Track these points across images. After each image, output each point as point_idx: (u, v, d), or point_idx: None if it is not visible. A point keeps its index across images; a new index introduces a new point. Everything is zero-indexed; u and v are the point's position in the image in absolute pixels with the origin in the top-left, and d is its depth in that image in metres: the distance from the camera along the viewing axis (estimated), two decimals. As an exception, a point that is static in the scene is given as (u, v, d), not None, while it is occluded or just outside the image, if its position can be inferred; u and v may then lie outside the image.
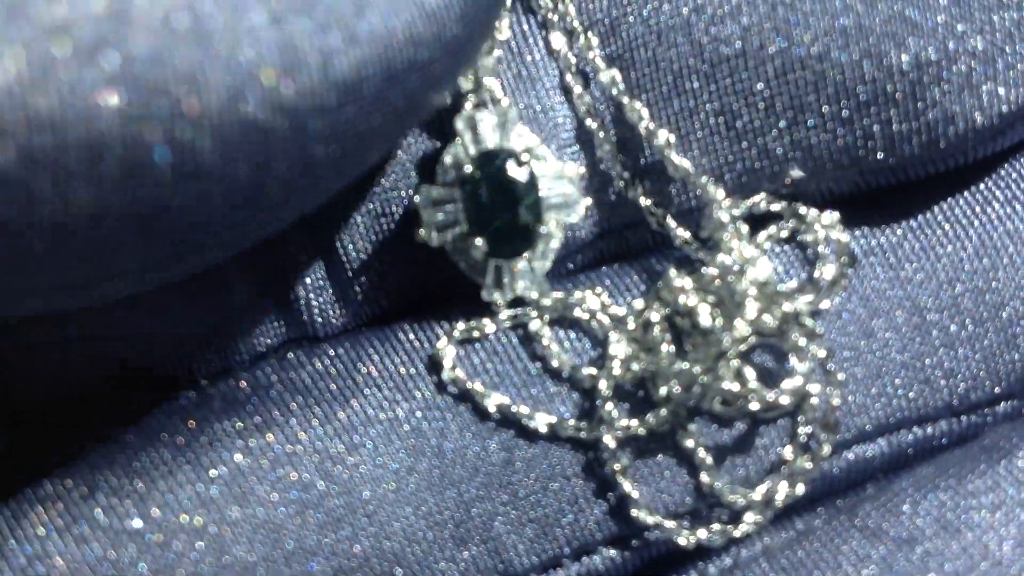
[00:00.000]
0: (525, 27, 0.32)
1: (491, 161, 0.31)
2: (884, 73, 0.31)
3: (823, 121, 0.31)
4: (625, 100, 0.32)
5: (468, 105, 0.31)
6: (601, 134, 0.32)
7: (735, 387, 0.30)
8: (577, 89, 0.32)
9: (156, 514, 0.30)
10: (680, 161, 0.31)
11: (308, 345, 0.32)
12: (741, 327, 0.30)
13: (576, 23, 0.32)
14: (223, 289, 0.32)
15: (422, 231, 0.31)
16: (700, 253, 0.32)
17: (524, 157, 0.31)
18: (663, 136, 0.31)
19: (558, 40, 0.32)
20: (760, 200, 0.32)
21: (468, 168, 0.31)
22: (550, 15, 0.32)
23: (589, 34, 0.32)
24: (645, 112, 0.32)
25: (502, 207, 0.31)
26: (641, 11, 0.32)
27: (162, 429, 0.31)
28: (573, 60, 0.32)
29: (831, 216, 0.31)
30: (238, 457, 0.30)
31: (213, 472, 0.30)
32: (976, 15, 0.31)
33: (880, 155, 0.31)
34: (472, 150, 0.31)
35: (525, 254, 0.31)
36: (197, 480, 0.30)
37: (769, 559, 0.31)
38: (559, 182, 0.31)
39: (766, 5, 0.31)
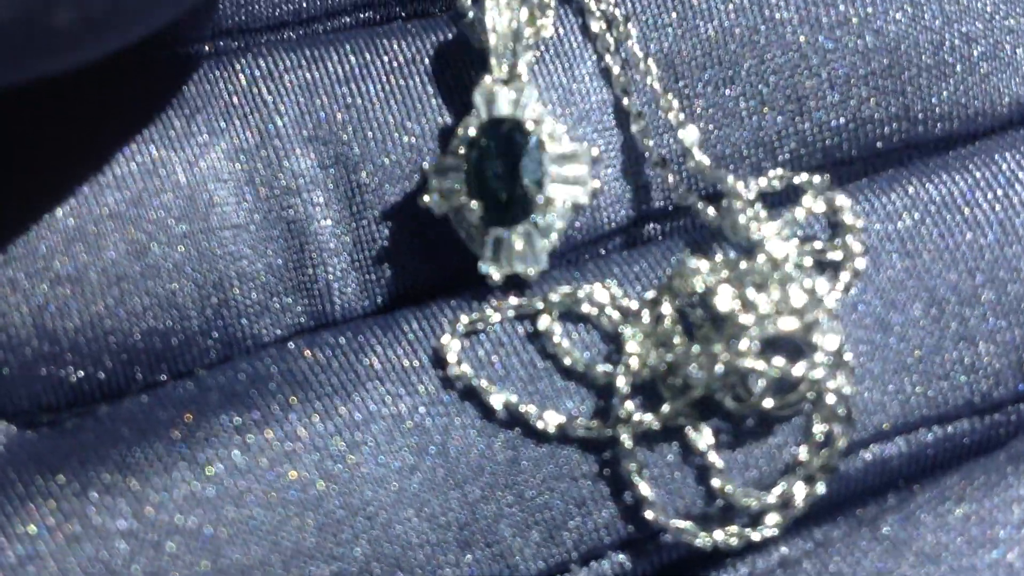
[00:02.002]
0: (562, 14, 0.33)
1: (497, 127, 0.31)
2: (935, 47, 0.33)
3: (870, 97, 0.33)
4: (658, 88, 0.32)
5: (487, 79, 0.31)
6: (636, 119, 0.33)
7: (759, 364, 0.29)
8: (615, 70, 0.33)
9: (150, 513, 0.29)
10: (700, 158, 0.32)
11: (309, 335, 0.32)
12: (764, 305, 0.29)
13: (616, 11, 0.33)
14: (244, 269, 0.32)
15: (426, 196, 0.31)
16: (725, 233, 0.32)
17: (529, 126, 0.31)
18: (691, 134, 0.32)
19: (596, 25, 0.33)
20: (783, 177, 0.32)
21: (472, 132, 0.31)
22: (588, 3, 0.33)
23: (629, 24, 0.33)
24: (676, 103, 0.32)
25: (504, 174, 0.31)
26: (682, 5, 0.33)
27: (158, 423, 0.30)
28: (611, 43, 0.33)
29: (845, 199, 0.31)
30: (236, 454, 0.29)
31: (210, 470, 0.29)
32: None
33: (926, 128, 0.33)
34: (485, 118, 0.31)
35: (523, 227, 0.31)
36: (193, 478, 0.29)
37: (786, 570, 0.30)
38: (570, 159, 0.31)
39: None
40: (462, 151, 0.31)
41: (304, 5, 0.34)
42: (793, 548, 0.30)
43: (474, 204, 0.31)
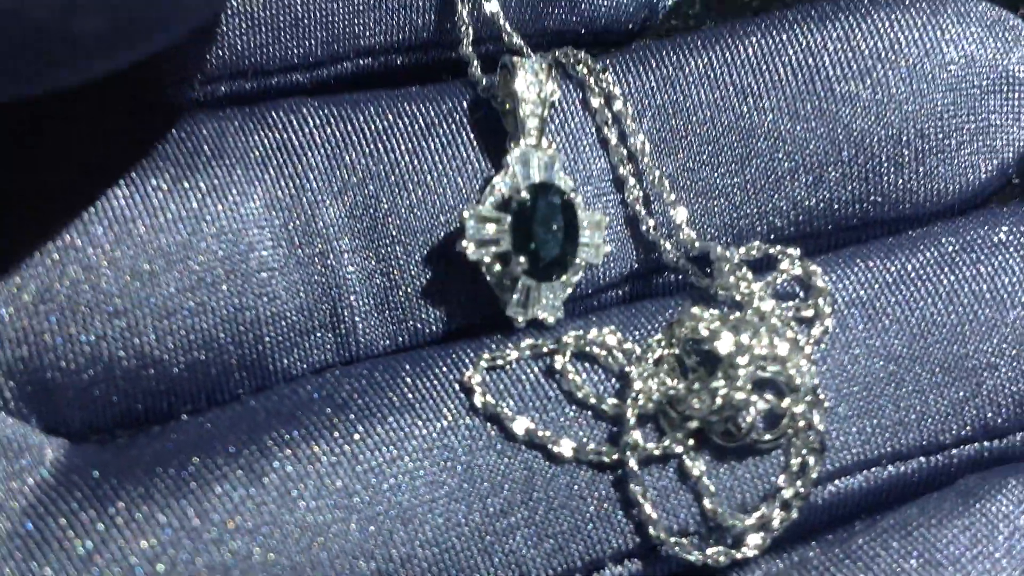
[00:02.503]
0: (565, 87, 0.37)
1: (543, 192, 0.35)
2: (894, 141, 0.38)
3: (839, 181, 0.38)
4: (650, 166, 0.37)
5: (523, 143, 0.35)
6: (631, 188, 0.37)
7: (752, 398, 0.34)
8: (612, 141, 0.37)
9: (212, 515, 0.32)
10: (690, 232, 0.37)
11: (344, 367, 0.35)
12: (757, 349, 0.34)
13: (615, 89, 0.37)
14: (277, 308, 0.35)
15: (464, 242, 0.35)
16: (713, 291, 0.36)
17: (570, 196, 0.35)
18: (681, 214, 0.37)
19: (595, 101, 0.37)
20: (760, 248, 0.37)
21: (524, 194, 0.35)
22: (588, 79, 0.37)
23: (627, 104, 0.37)
24: (667, 183, 0.37)
25: (544, 233, 0.35)
26: (673, 90, 0.37)
27: (212, 438, 0.33)
28: (609, 118, 0.37)
29: (816, 267, 0.36)
30: (287, 466, 0.33)
31: (265, 479, 0.32)
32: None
33: (884, 210, 0.38)
34: (522, 181, 0.35)
35: (552, 282, 0.35)
36: (250, 484, 0.32)
37: None
38: (589, 227, 0.35)
39: (783, 91, 0.37)
40: (499, 203, 0.35)
41: (312, 50, 0.37)
42: (774, 567, 0.34)
43: (523, 260, 0.35)
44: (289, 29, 0.37)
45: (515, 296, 0.35)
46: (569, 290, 0.36)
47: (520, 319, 0.35)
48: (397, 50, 0.38)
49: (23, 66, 0.28)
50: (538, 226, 0.35)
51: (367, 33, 0.38)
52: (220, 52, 0.36)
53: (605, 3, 0.40)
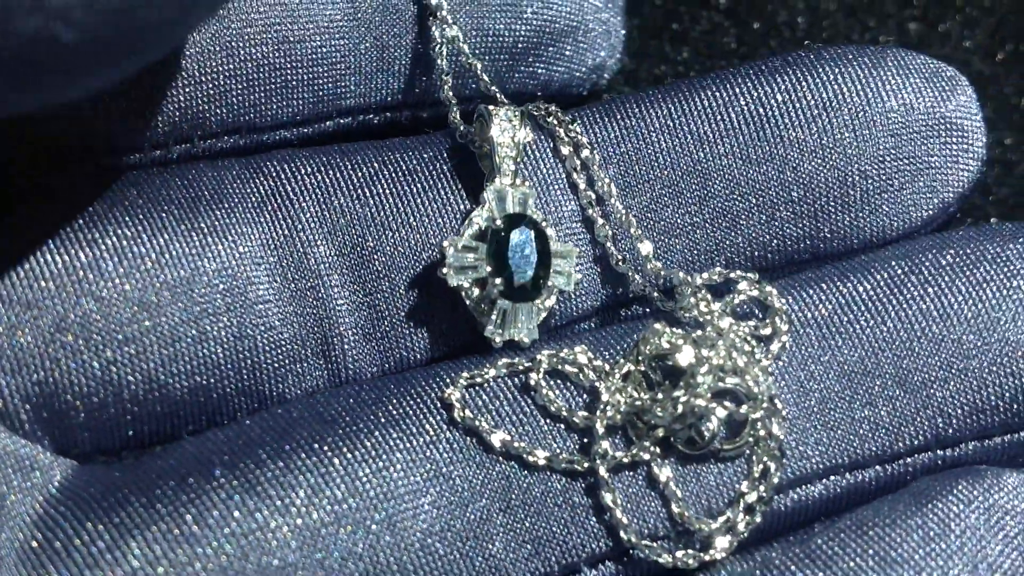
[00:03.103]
0: (537, 138, 0.41)
1: (518, 222, 0.38)
2: (840, 182, 0.41)
3: (789, 219, 0.41)
4: (619, 206, 0.40)
5: (498, 181, 0.39)
6: (599, 227, 0.40)
7: (714, 406, 0.36)
8: (581, 185, 0.40)
9: (211, 522, 0.34)
10: (654, 264, 0.40)
11: (332, 389, 0.38)
12: (716, 361, 0.36)
13: (582, 139, 0.40)
14: (273, 338, 0.38)
15: (444, 270, 0.38)
16: (677, 314, 0.39)
17: (542, 225, 0.38)
18: (646, 247, 0.40)
19: (565, 149, 0.40)
20: (720, 273, 0.39)
21: (499, 223, 0.38)
22: (557, 130, 0.40)
23: (594, 151, 0.40)
24: (633, 219, 0.40)
25: (521, 259, 0.38)
26: (636, 139, 0.41)
27: (210, 454, 0.35)
28: (578, 164, 0.40)
29: (771, 288, 0.39)
30: (280, 476, 0.35)
31: (259, 488, 0.35)
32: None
33: (833, 245, 0.41)
34: (498, 214, 0.38)
35: (528, 305, 0.38)
36: (245, 493, 0.34)
37: None
38: (562, 256, 0.39)
39: (736, 137, 0.41)
40: (477, 234, 0.38)
41: (299, 109, 0.41)
42: (738, 567, 0.36)
43: (498, 282, 0.38)
44: (279, 91, 0.40)
45: (492, 318, 0.38)
46: (544, 314, 0.39)
47: (497, 339, 0.38)
48: (375, 110, 0.42)
49: (13, 80, 0.30)
50: (512, 251, 0.38)
51: (348, 95, 0.41)
52: (218, 111, 0.40)
53: (559, 71, 0.44)
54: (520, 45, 0.43)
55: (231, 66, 0.39)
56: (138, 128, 0.39)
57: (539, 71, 0.44)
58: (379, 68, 0.41)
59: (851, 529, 0.36)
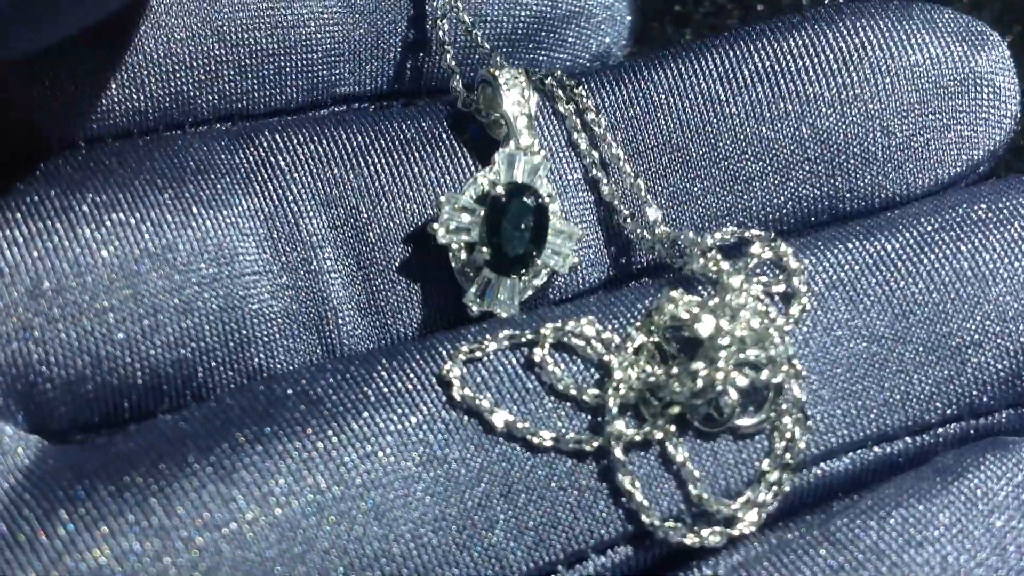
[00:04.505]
0: (541, 103, 0.39)
1: (520, 192, 0.36)
2: (860, 139, 0.39)
3: (806, 178, 0.39)
4: (624, 171, 0.38)
5: (511, 144, 0.37)
6: (605, 193, 0.38)
7: (735, 376, 0.33)
8: (588, 150, 0.38)
9: (181, 512, 0.31)
10: (662, 230, 0.37)
11: (319, 363, 0.35)
12: (738, 330, 0.33)
13: (588, 103, 0.38)
14: (262, 310, 0.35)
15: (436, 225, 0.36)
16: (687, 272, 0.36)
17: (546, 200, 0.36)
18: (653, 212, 0.37)
19: (570, 113, 0.38)
20: (733, 232, 0.37)
21: (500, 191, 0.36)
22: (561, 94, 0.38)
23: (600, 115, 0.38)
24: (641, 184, 0.38)
25: (512, 230, 0.36)
26: (644, 102, 0.39)
27: (184, 436, 0.33)
28: (583, 129, 0.38)
29: (787, 246, 0.36)
30: (259, 462, 0.32)
31: (235, 476, 0.32)
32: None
33: (854, 205, 0.39)
34: (504, 178, 0.36)
35: (512, 280, 0.36)
36: (220, 482, 0.32)
37: (748, 569, 0.33)
38: (562, 235, 0.36)
39: (749, 95, 0.39)
40: (478, 196, 0.36)
41: (292, 96, 0.39)
42: (753, 549, 0.34)
43: (485, 250, 0.36)
44: (272, 77, 0.39)
45: (473, 288, 0.36)
46: (529, 292, 0.37)
47: (475, 309, 0.36)
48: (370, 97, 0.40)
49: None
50: (507, 222, 0.36)
51: (342, 82, 0.40)
52: (210, 97, 0.38)
53: (561, 58, 0.42)
54: (520, 31, 0.41)
55: (222, 51, 0.38)
56: (125, 114, 0.37)
57: (540, 58, 0.42)
58: (374, 55, 0.40)
59: (872, 509, 0.34)
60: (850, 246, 0.37)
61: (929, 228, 0.37)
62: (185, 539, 0.31)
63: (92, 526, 0.31)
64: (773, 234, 0.36)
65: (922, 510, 0.34)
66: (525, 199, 0.36)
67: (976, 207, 0.37)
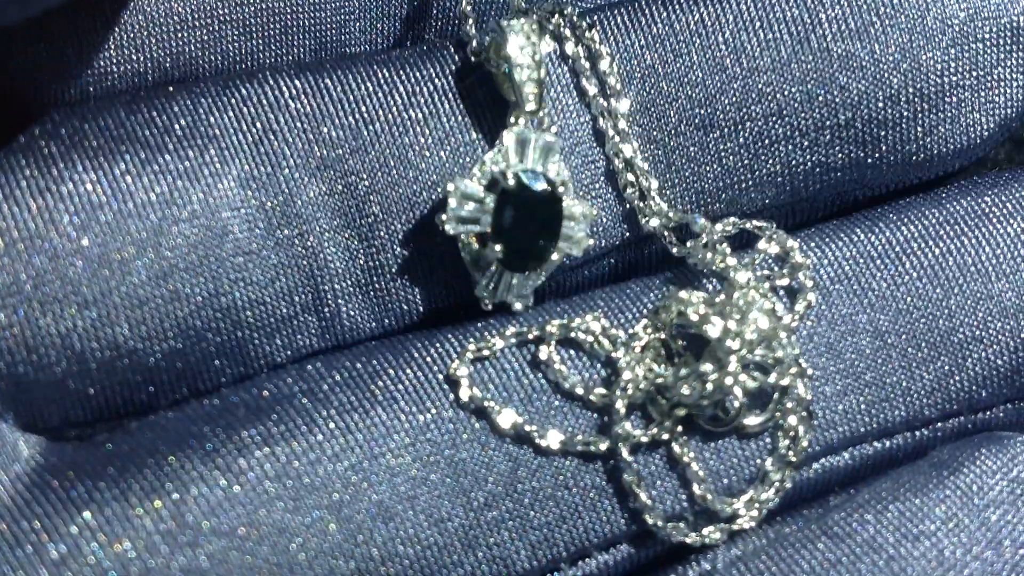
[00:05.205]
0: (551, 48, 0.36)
1: (532, 180, 0.34)
2: (892, 103, 0.37)
3: (834, 144, 0.37)
4: (634, 146, 0.36)
5: (522, 122, 0.34)
6: (617, 158, 0.36)
7: (748, 380, 0.33)
8: (598, 102, 0.36)
9: (188, 516, 0.31)
10: (660, 205, 0.36)
11: (326, 358, 0.34)
12: (747, 334, 0.33)
13: (602, 48, 0.36)
14: (256, 293, 0.34)
15: (443, 216, 0.34)
16: (692, 262, 0.35)
17: (560, 190, 0.34)
18: (655, 185, 0.36)
19: (581, 61, 0.36)
20: (735, 223, 0.36)
21: (511, 180, 0.34)
22: (570, 36, 0.36)
23: (614, 63, 0.36)
24: (646, 166, 0.36)
25: (525, 224, 0.34)
26: (664, 50, 0.36)
27: (188, 435, 0.32)
28: (595, 79, 0.36)
29: (793, 242, 0.35)
30: (265, 464, 0.32)
31: (242, 478, 0.32)
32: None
33: (881, 172, 0.37)
34: (515, 163, 0.34)
35: (527, 272, 0.34)
36: (227, 484, 0.31)
37: (746, 563, 0.34)
38: (575, 219, 0.34)
39: (778, 51, 0.36)
40: (486, 182, 0.34)
41: (300, 57, 0.37)
42: (750, 544, 0.34)
43: (497, 247, 0.34)
44: (278, 37, 0.37)
45: (485, 280, 0.35)
46: (543, 278, 0.35)
47: (487, 302, 0.35)
48: None
49: None
50: (519, 215, 0.34)
51: (352, 42, 0.37)
52: (213, 58, 0.36)
53: None
54: None
55: (226, 11, 0.36)
56: (124, 76, 0.35)
57: None
58: (385, 13, 0.38)
59: (869, 503, 0.34)
60: (854, 239, 0.36)
61: (933, 221, 0.37)
62: (192, 544, 0.31)
63: (97, 531, 0.31)
64: (774, 225, 0.36)
65: (918, 504, 0.34)
66: (538, 188, 0.34)
67: (980, 200, 0.37)
